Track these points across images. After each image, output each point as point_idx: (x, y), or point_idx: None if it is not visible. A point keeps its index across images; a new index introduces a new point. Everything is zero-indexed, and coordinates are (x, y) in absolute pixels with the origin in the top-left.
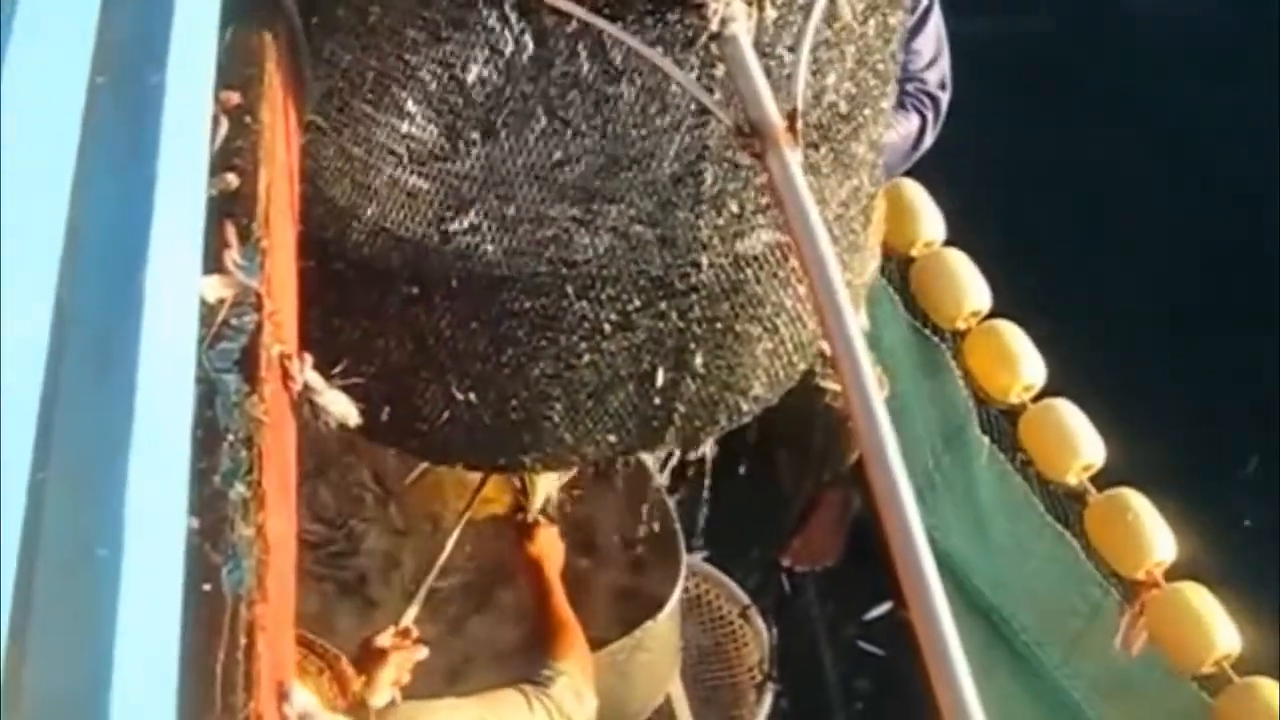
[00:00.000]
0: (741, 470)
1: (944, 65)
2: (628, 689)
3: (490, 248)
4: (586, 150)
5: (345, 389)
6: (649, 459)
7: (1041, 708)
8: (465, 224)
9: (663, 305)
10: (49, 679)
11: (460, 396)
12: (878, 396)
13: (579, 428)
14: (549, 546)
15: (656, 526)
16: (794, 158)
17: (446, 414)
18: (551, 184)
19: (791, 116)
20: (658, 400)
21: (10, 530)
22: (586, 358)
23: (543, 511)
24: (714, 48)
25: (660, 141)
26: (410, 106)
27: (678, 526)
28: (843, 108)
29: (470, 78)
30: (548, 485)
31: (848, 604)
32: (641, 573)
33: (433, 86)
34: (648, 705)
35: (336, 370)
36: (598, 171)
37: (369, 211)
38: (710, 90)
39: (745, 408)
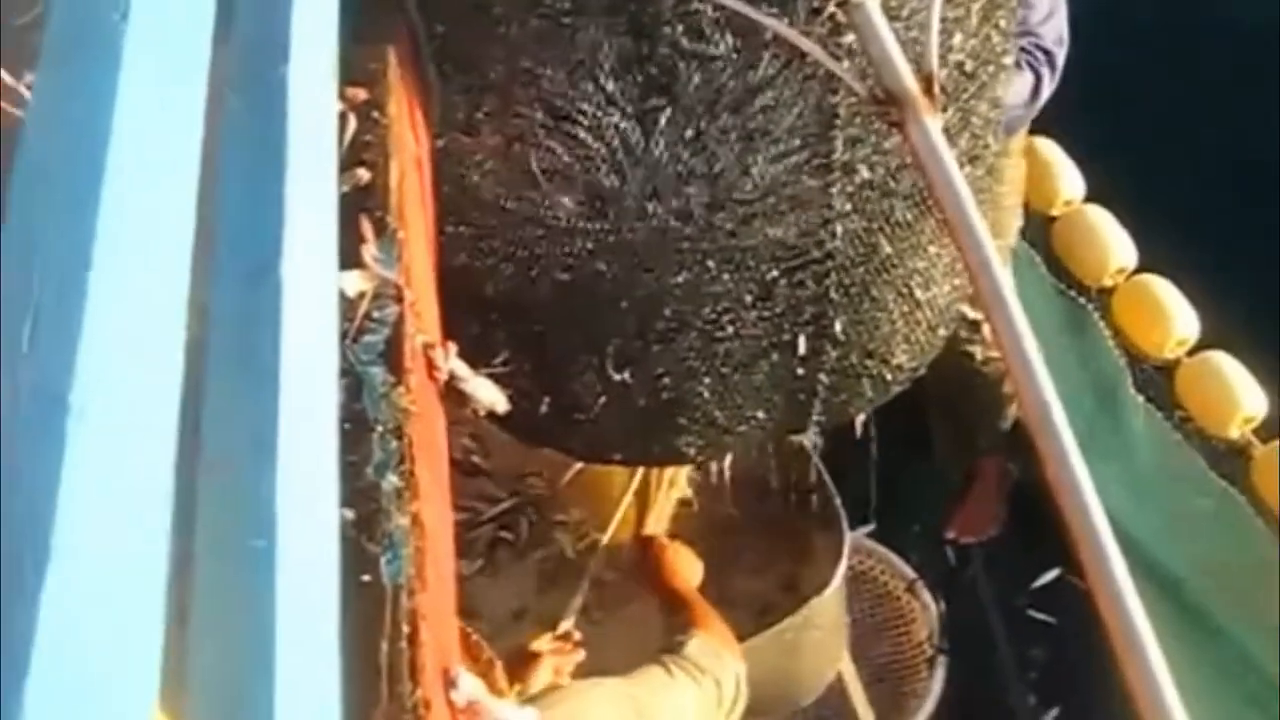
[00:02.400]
0: (900, 444)
1: (1060, 19)
2: (798, 667)
3: (634, 228)
4: (720, 127)
5: (507, 385)
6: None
7: (1214, 667)
8: (611, 208)
9: (799, 274)
10: (213, 672)
11: (616, 378)
12: (1038, 357)
13: (727, 403)
14: (680, 563)
15: (817, 503)
16: (935, 124)
17: (603, 399)
18: (688, 163)
19: (928, 82)
20: (801, 371)
21: (159, 530)
22: (730, 329)
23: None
24: (841, 15)
25: (790, 112)
26: (543, 95)
27: (838, 502)
28: (969, 66)
29: (598, 63)
30: (667, 504)
31: (1015, 573)
32: (806, 550)
33: (563, 74)
34: (820, 683)
35: (498, 363)
36: (731, 147)
37: (519, 204)
38: (838, 59)
39: (889, 376)
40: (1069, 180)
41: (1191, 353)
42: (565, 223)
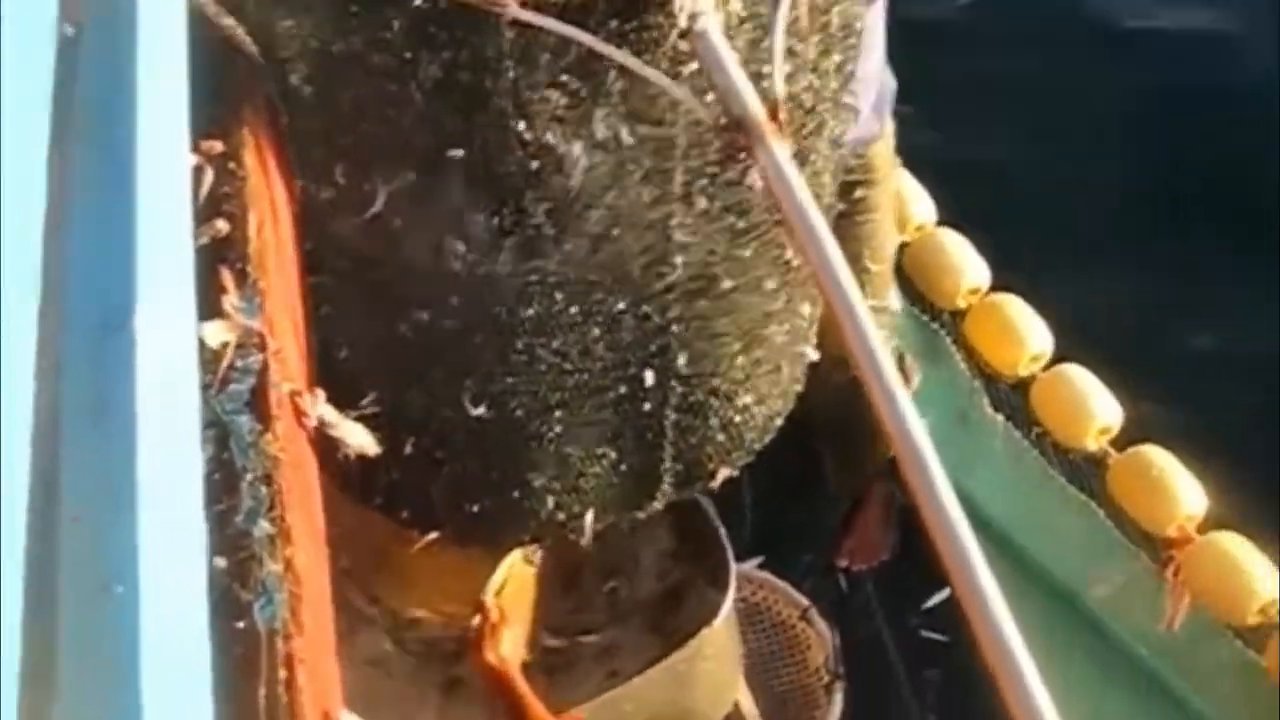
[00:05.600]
0: (787, 474)
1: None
2: (692, 700)
3: (480, 261)
4: (561, 157)
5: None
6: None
7: (1107, 672)
8: (456, 243)
9: (644, 307)
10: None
11: (474, 412)
12: (898, 382)
13: (579, 438)
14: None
15: (701, 537)
16: (783, 149)
17: (463, 437)
18: (534, 197)
19: (774, 108)
20: (647, 406)
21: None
22: (579, 361)
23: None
24: (681, 45)
25: (631, 143)
26: (390, 136)
27: (723, 532)
28: (806, 101)
29: (441, 99)
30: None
31: (906, 594)
32: (692, 584)
33: (410, 113)
34: (717, 713)
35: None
36: (574, 178)
37: (372, 247)
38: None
39: (736, 419)
40: (920, 205)
41: (1046, 368)
42: (419, 262)
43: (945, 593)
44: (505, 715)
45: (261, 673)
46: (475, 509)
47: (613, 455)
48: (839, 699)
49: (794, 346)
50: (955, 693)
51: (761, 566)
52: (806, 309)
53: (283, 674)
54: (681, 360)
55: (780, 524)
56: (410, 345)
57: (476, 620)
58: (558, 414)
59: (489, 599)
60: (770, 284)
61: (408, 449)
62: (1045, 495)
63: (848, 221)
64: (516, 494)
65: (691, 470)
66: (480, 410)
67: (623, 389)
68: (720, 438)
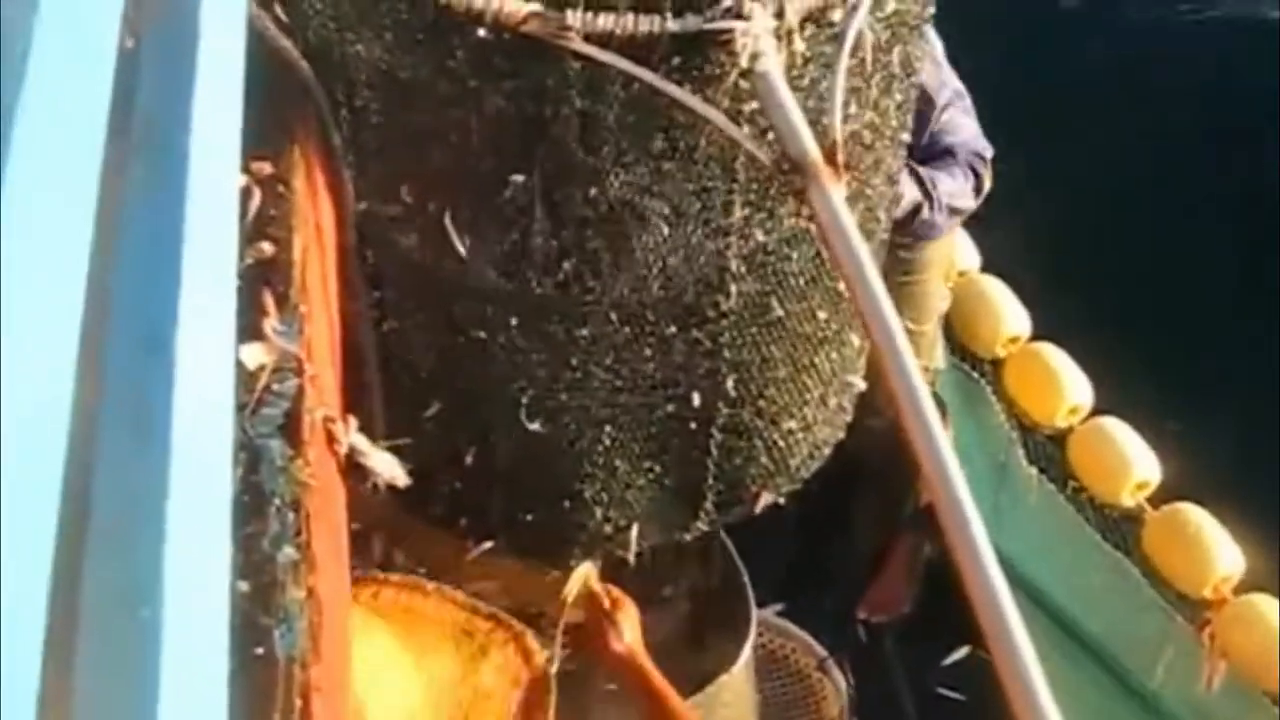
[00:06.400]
0: (812, 522)
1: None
2: None
3: (542, 283)
4: (623, 190)
5: (431, 452)
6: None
7: None
8: (515, 262)
9: (695, 331)
10: None
11: (530, 427)
12: (940, 429)
13: (627, 453)
14: (626, 614)
15: (723, 581)
16: (838, 192)
17: (519, 451)
18: (592, 223)
19: (832, 151)
20: (694, 425)
21: (35, 603)
22: (630, 380)
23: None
24: (743, 84)
25: (690, 175)
26: (452, 157)
27: (745, 579)
28: (866, 138)
29: (504, 126)
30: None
31: (926, 650)
32: (712, 629)
33: (472, 136)
34: None
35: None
36: (633, 206)
37: (435, 263)
38: (738, 125)
39: (780, 442)
40: (962, 251)
41: (1085, 420)
42: (479, 281)
43: (964, 651)
44: (639, 700)
45: (277, 701)
46: (529, 518)
47: (658, 470)
48: None
49: (841, 375)
50: None
51: (782, 614)
52: (855, 339)
53: (298, 703)
54: (729, 383)
55: (803, 572)
56: (469, 361)
57: (579, 614)
58: (607, 429)
59: (596, 587)
60: (822, 314)
61: (468, 459)
62: (1077, 552)
63: (892, 281)
64: (567, 504)
65: (734, 491)
66: (535, 424)
67: (670, 408)
68: (764, 460)
